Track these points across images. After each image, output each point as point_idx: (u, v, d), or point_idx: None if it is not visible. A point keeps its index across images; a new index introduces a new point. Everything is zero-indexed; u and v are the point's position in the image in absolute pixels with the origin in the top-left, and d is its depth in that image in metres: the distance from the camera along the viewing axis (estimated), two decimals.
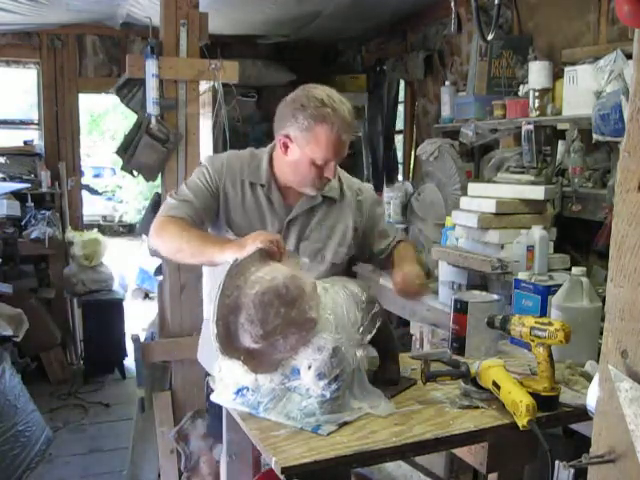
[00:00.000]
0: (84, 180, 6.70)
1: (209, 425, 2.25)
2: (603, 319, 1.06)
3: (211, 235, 1.77)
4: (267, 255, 1.50)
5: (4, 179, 4.83)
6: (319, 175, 1.75)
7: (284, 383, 1.44)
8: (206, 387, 2.07)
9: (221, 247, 1.60)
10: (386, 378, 1.63)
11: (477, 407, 1.50)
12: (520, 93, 3.05)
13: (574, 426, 1.72)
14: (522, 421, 1.35)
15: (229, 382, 1.50)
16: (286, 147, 1.77)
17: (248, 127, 5.30)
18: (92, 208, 11.91)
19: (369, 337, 1.51)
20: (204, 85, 3.54)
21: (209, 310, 1.48)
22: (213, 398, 1.54)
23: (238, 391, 1.47)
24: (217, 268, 1.68)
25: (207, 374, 2.05)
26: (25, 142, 5.11)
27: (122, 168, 3.13)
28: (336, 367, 1.39)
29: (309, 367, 1.39)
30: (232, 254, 1.51)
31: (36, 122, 5.28)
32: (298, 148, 1.74)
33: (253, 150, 1.92)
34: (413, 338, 2.98)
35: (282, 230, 1.82)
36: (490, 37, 2.22)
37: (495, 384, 1.46)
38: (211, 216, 1.82)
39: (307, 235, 1.84)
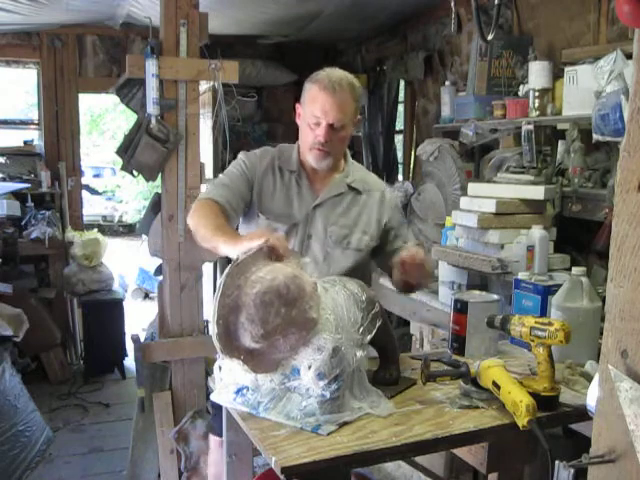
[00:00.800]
0: (84, 180, 6.69)
1: (212, 422, 2.25)
2: (603, 319, 1.06)
3: (226, 227, 1.79)
4: (270, 252, 1.50)
5: (4, 179, 4.83)
6: (313, 138, 1.86)
7: (284, 383, 1.44)
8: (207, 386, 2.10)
9: (221, 238, 1.66)
10: (386, 378, 1.63)
11: (477, 407, 1.50)
12: (520, 93, 3.05)
13: (574, 426, 1.72)
14: (522, 421, 1.34)
15: (229, 382, 1.50)
16: (299, 115, 1.93)
17: (248, 127, 5.30)
18: (92, 208, 11.93)
19: (369, 337, 1.51)
20: (204, 85, 3.54)
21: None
22: (213, 398, 1.54)
23: (238, 391, 1.47)
24: None
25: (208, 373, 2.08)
26: (25, 142, 5.11)
27: (122, 168, 3.13)
28: (336, 367, 1.38)
29: (309, 367, 1.39)
30: (225, 246, 1.61)
31: (36, 122, 5.28)
32: (301, 110, 1.91)
33: (284, 144, 2.07)
34: (413, 338, 2.98)
35: (309, 214, 1.91)
36: (490, 37, 2.23)
37: (495, 384, 1.46)
38: (245, 201, 1.92)
39: (335, 220, 1.93)
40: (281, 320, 1.38)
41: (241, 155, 2.00)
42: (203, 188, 3.19)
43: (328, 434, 1.35)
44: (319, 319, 1.44)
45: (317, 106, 1.82)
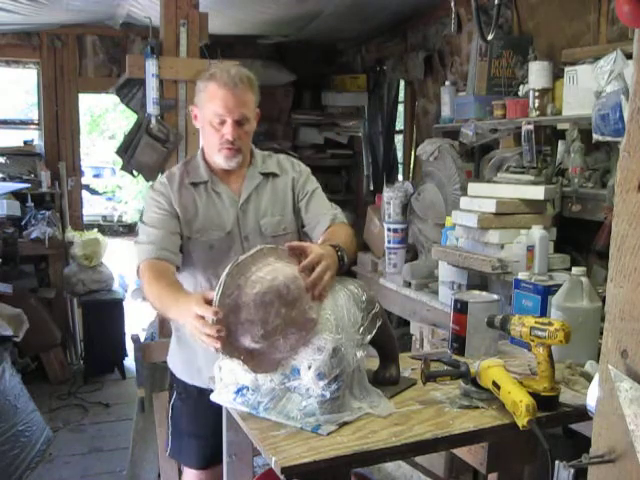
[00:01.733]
0: (84, 180, 6.69)
1: (171, 446, 2.07)
2: (603, 319, 1.06)
3: (171, 291, 1.65)
4: (270, 251, 1.50)
5: (4, 179, 4.83)
6: (220, 137, 1.79)
7: (284, 383, 1.44)
8: (172, 401, 2.03)
9: (168, 309, 1.61)
10: (386, 378, 1.63)
11: (477, 407, 1.50)
12: (520, 93, 3.05)
13: (574, 426, 1.72)
14: (522, 421, 1.34)
15: (229, 382, 1.50)
16: (196, 117, 1.87)
17: None
18: (92, 208, 11.93)
19: (369, 337, 1.51)
20: None
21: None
22: (213, 398, 1.54)
23: (238, 391, 1.48)
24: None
25: (172, 386, 2.03)
26: (25, 142, 5.10)
27: (122, 168, 3.13)
28: (336, 367, 1.39)
29: (309, 367, 1.39)
30: (172, 315, 1.60)
31: (36, 122, 5.27)
32: (200, 112, 1.83)
33: (188, 157, 2.00)
34: (413, 338, 2.98)
35: (238, 217, 1.86)
36: (490, 37, 2.23)
37: (495, 384, 1.46)
38: (178, 233, 1.83)
39: (264, 212, 1.88)
40: (281, 320, 1.39)
41: (149, 193, 1.91)
42: None
43: (328, 434, 1.35)
44: (319, 319, 1.44)
45: (219, 103, 1.76)
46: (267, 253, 1.50)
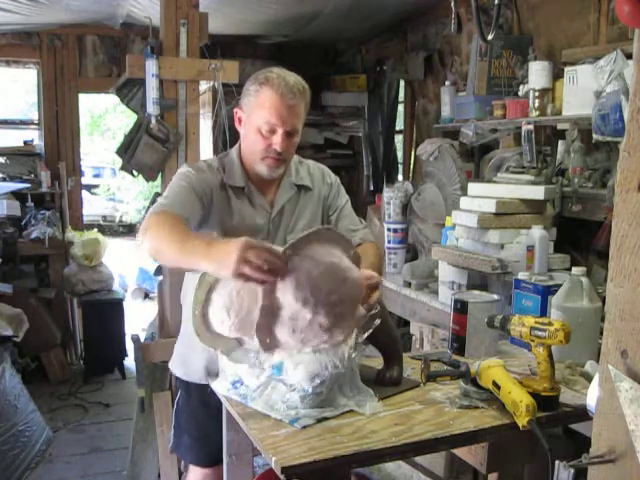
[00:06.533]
0: (84, 180, 6.69)
1: (174, 444, 2.07)
2: (603, 319, 1.06)
3: (193, 237, 1.51)
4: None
5: (4, 179, 4.83)
6: (267, 146, 1.70)
7: (270, 377, 1.47)
8: (177, 399, 2.03)
9: (196, 257, 1.42)
10: (386, 378, 1.64)
11: (477, 407, 1.50)
12: (520, 93, 3.05)
13: (574, 426, 1.72)
14: (522, 421, 1.35)
15: (228, 373, 1.54)
16: (240, 120, 1.77)
17: None
18: (92, 208, 11.94)
19: (364, 336, 1.51)
20: (204, 85, 3.55)
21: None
22: (214, 386, 1.59)
23: (234, 383, 1.53)
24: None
25: (178, 388, 2.04)
26: (25, 142, 5.10)
27: (122, 168, 3.13)
28: (318, 364, 1.40)
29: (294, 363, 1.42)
30: (208, 267, 1.40)
31: (36, 122, 5.27)
32: (246, 116, 1.73)
33: (222, 154, 1.87)
34: (413, 338, 2.98)
35: (269, 229, 1.80)
36: (490, 37, 2.22)
37: (495, 384, 1.46)
38: (197, 218, 1.70)
39: (293, 226, 1.82)
40: (337, 297, 1.41)
41: (187, 167, 1.77)
42: None
43: (303, 427, 1.36)
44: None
45: (272, 112, 1.66)
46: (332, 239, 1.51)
